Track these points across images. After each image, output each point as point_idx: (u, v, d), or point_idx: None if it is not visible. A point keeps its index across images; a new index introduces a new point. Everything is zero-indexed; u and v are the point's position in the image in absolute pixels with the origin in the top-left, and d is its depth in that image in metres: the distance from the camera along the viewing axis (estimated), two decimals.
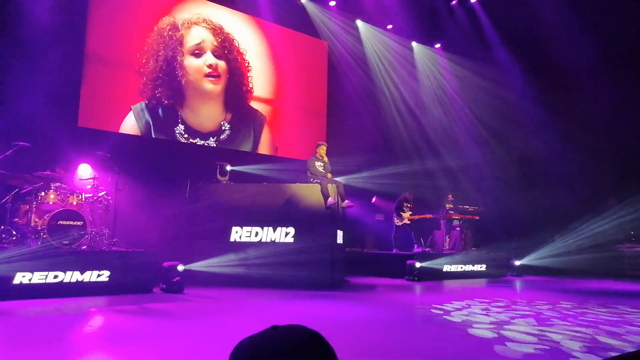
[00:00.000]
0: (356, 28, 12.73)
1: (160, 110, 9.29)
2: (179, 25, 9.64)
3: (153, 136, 9.16)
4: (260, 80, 10.86)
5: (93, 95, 8.57)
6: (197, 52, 9.81)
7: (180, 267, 6.63)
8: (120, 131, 8.79)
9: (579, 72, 11.47)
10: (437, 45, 13.80)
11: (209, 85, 9.90)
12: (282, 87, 11.27)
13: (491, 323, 4.66)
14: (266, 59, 11.03)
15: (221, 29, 10.23)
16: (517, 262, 10.94)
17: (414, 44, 13.58)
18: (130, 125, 8.92)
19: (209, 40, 10.00)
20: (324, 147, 8.41)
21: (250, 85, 10.65)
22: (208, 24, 10.05)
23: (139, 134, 8.98)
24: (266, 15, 10.95)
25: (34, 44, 7.65)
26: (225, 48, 10.23)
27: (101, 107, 8.67)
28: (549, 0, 11.22)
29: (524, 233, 11.58)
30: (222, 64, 10.11)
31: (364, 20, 12.76)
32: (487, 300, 6.39)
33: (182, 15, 9.74)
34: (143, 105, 9.09)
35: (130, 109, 8.93)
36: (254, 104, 10.70)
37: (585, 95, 11.89)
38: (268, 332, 1.07)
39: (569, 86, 11.97)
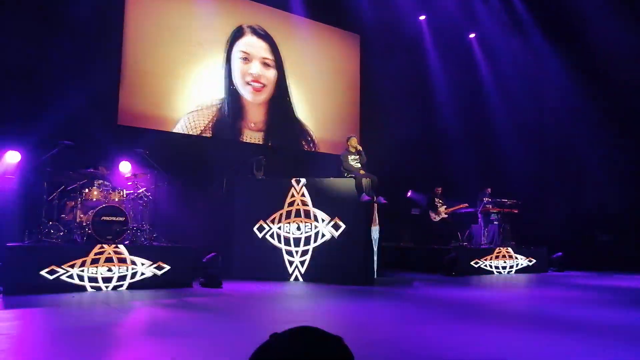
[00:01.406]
0: (389, 19, 12.57)
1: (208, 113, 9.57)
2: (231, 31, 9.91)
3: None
4: (295, 76, 10.89)
5: (131, 94, 8.80)
6: (245, 59, 9.99)
7: (213, 257, 6.74)
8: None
9: (620, 57, 10.98)
10: (472, 35, 13.48)
11: (251, 92, 10.04)
12: (315, 81, 11.26)
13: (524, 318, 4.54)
14: (300, 54, 11.04)
15: (272, 38, 10.44)
16: (559, 255, 10.65)
17: (445, 32, 13.29)
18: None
19: (259, 47, 10.16)
20: (355, 139, 8.34)
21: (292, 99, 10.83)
22: (260, 32, 10.23)
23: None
24: (297, 10, 10.96)
25: (77, 47, 7.93)
26: (274, 58, 10.44)
27: (139, 105, 8.89)
28: None
29: (566, 228, 11.23)
30: (268, 74, 10.22)
31: (397, 11, 12.58)
32: (521, 293, 6.24)
33: (220, 18, 9.89)
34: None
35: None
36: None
37: (628, 81, 11.36)
38: (281, 341, 1.04)
39: (610, 73, 11.45)
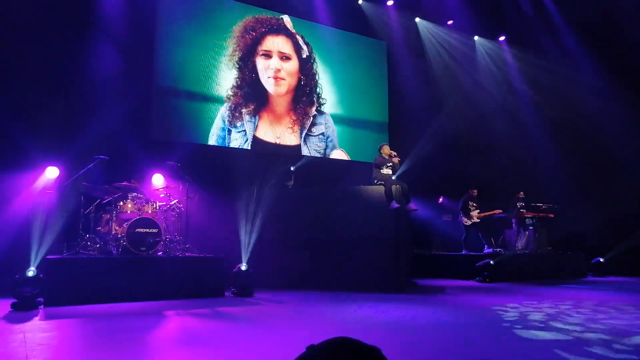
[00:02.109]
0: (415, 26, 12.53)
1: (237, 113, 9.75)
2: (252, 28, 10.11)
3: (228, 143, 9.53)
4: (323, 85, 10.94)
5: (163, 108, 9.02)
6: (266, 54, 10.18)
7: (243, 267, 6.80)
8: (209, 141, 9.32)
9: None
10: (502, 38, 13.28)
11: (273, 86, 10.18)
12: (344, 89, 11.28)
13: (563, 330, 4.40)
14: (326, 63, 11.09)
15: (293, 32, 10.60)
16: (601, 260, 10.31)
17: (476, 38, 13.15)
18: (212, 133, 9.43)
19: (278, 42, 10.34)
20: (387, 147, 8.32)
21: (319, 90, 10.85)
22: (279, 27, 10.42)
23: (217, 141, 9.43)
24: (324, 20, 11.03)
25: (112, 64, 8.21)
26: (295, 50, 10.55)
27: (170, 119, 9.09)
28: None
29: (605, 233, 10.86)
30: (287, 66, 10.36)
31: (423, 17, 12.53)
32: (559, 304, 6.04)
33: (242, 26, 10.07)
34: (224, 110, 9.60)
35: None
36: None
37: None
38: (319, 353, 1.01)
39: None
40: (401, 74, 12.09)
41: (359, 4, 11.75)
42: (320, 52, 10.98)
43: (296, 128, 10.42)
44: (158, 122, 8.95)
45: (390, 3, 11.92)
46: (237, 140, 9.71)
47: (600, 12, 11.10)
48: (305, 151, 10.42)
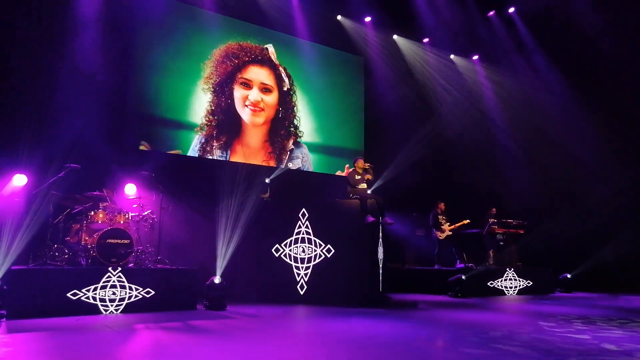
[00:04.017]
0: (392, 42, 12.74)
1: (207, 147, 9.62)
2: (235, 54, 10.02)
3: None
4: (301, 115, 10.96)
5: (138, 117, 8.88)
6: (246, 83, 10.09)
7: (217, 280, 6.70)
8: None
9: (623, 77, 11.05)
10: (475, 57, 13.62)
11: (250, 116, 10.10)
12: (321, 116, 11.31)
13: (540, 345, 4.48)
14: (305, 88, 11.12)
15: (276, 64, 10.55)
16: (568, 276, 10.59)
17: (452, 56, 13.45)
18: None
19: (261, 74, 10.30)
20: (361, 161, 8.40)
21: (297, 122, 10.85)
22: (263, 58, 10.38)
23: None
24: (302, 34, 11.11)
25: (84, 70, 8.05)
26: (276, 83, 10.52)
27: (145, 128, 8.97)
28: (588, 7, 10.89)
29: (572, 249, 11.15)
30: (268, 98, 10.32)
31: (401, 34, 12.76)
32: (534, 318, 6.16)
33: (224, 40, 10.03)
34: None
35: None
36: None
37: (635, 104, 11.42)
38: None
39: (618, 94, 11.50)
40: (378, 90, 12.25)
41: (338, 20, 11.90)
42: (299, 74, 10.97)
43: (272, 162, 10.31)
44: (132, 130, 8.81)
45: (368, 20, 12.11)
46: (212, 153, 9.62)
47: (568, 34, 11.51)
48: None
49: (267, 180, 8.60)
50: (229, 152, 9.80)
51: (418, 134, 12.33)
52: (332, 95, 11.59)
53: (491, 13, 12.72)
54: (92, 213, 6.62)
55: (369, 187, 8.23)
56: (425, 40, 13.04)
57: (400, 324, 5.74)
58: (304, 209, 7.88)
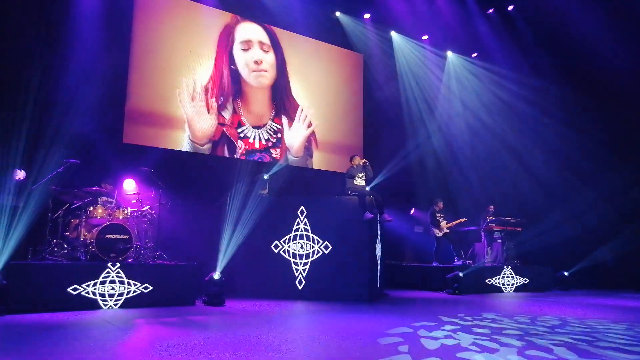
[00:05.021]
0: (391, 39, 12.74)
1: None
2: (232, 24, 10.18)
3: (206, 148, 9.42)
4: (297, 94, 10.99)
5: (137, 112, 8.88)
6: (245, 48, 10.19)
7: (216, 275, 6.72)
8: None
9: (623, 80, 11.07)
10: (474, 55, 13.63)
11: (256, 79, 10.21)
12: (319, 99, 11.35)
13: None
14: (302, 73, 11.15)
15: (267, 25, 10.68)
16: (566, 273, 10.64)
17: (449, 53, 13.46)
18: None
19: (257, 34, 10.43)
20: (358, 158, 8.43)
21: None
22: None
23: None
24: (301, 30, 11.12)
25: (81, 64, 8.04)
26: (272, 42, 10.64)
27: (145, 123, 8.97)
28: (589, 8, 10.90)
29: (570, 247, 11.20)
30: (268, 58, 10.43)
31: (399, 32, 12.75)
32: (532, 316, 6.19)
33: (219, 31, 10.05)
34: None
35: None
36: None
37: (631, 105, 11.45)
38: None
39: (615, 96, 11.53)
40: (377, 87, 12.26)
41: (336, 16, 11.90)
42: (297, 69, 11.01)
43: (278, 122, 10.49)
44: (131, 125, 8.81)
45: (367, 16, 12.11)
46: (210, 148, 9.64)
47: (567, 34, 11.52)
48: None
49: (265, 177, 8.60)
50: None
51: (416, 132, 12.37)
52: (330, 91, 11.60)
53: (490, 10, 12.71)
54: (91, 208, 6.62)
55: (367, 183, 8.26)
56: (425, 37, 13.03)
57: (395, 320, 5.76)
58: (302, 207, 7.89)
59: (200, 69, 9.65)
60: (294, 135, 10.80)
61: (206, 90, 9.64)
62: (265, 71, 10.39)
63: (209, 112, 9.60)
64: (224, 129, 9.77)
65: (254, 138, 10.17)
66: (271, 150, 10.38)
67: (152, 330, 4.90)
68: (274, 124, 10.48)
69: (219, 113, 9.75)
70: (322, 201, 8.07)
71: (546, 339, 4.61)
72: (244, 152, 10.00)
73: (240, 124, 10.00)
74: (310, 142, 11.04)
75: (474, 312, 6.51)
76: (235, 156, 9.88)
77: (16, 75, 7.47)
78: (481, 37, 12.81)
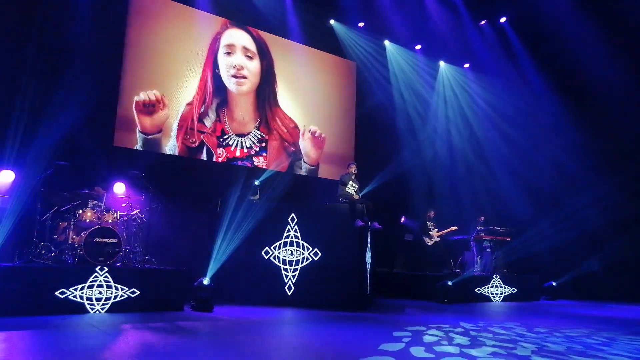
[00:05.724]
0: (384, 48, 12.81)
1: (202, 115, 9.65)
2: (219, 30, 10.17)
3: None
4: (290, 101, 11.01)
5: (128, 116, 8.85)
6: (229, 52, 10.16)
7: (206, 281, 6.68)
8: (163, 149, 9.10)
9: (612, 91, 11.23)
10: (466, 65, 13.75)
11: (235, 85, 10.16)
12: (311, 107, 11.38)
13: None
14: (295, 80, 11.18)
15: (257, 32, 10.64)
16: (554, 283, 10.72)
17: (441, 63, 13.57)
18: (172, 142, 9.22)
19: (243, 40, 10.38)
20: (354, 166, 8.45)
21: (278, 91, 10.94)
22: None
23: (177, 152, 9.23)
24: (295, 37, 11.16)
25: (72, 67, 8.00)
26: (258, 49, 10.58)
27: (135, 127, 8.92)
28: (581, 20, 11.05)
29: (559, 257, 11.28)
30: (251, 65, 10.37)
31: (393, 41, 12.84)
32: (518, 325, 6.23)
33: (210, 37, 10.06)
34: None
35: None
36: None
37: (620, 115, 11.59)
38: None
39: (604, 107, 11.67)
40: (369, 95, 12.31)
41: (331, 24, 11.96)
42: (289, 77, 11.02)
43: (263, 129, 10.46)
44: (122, 129, 8.76)
45: (361, 25, 12.19)
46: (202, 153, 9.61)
47: (560, 46, 11.66)
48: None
49: (256, 183, 8.59)
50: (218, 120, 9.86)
51: (408, 141, 12.43)
52: (322, 99, 11.62)
53: (483, 22, 12.84)
54: (80, 211, 6.57)
55: (357, 192, 8.27)
56: (418, 47, 13.12)
57: (384, 328, 5.76)
58: (293, 214, 7.88)
59: (189, 76, 9.61)
60: (305, 145, 10.92)
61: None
62: (245, 77, 10.25)
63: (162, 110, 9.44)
64: (203, 137, 9.64)
65: (236, 146, 10.05)
66: (254, 158, 10.24)
67: (139, 336, 4.86)
68: (258, 132, 10.40)
69: (200, 121, 9.65)
70: (313, 208, 8.07)
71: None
72: (225, 159, 9.87)
73: (224, 132, 9.89)
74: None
75: (460, 321, 6.53)
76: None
77: (5, 74, 7.42)
78: (474, 48, 12.93)
